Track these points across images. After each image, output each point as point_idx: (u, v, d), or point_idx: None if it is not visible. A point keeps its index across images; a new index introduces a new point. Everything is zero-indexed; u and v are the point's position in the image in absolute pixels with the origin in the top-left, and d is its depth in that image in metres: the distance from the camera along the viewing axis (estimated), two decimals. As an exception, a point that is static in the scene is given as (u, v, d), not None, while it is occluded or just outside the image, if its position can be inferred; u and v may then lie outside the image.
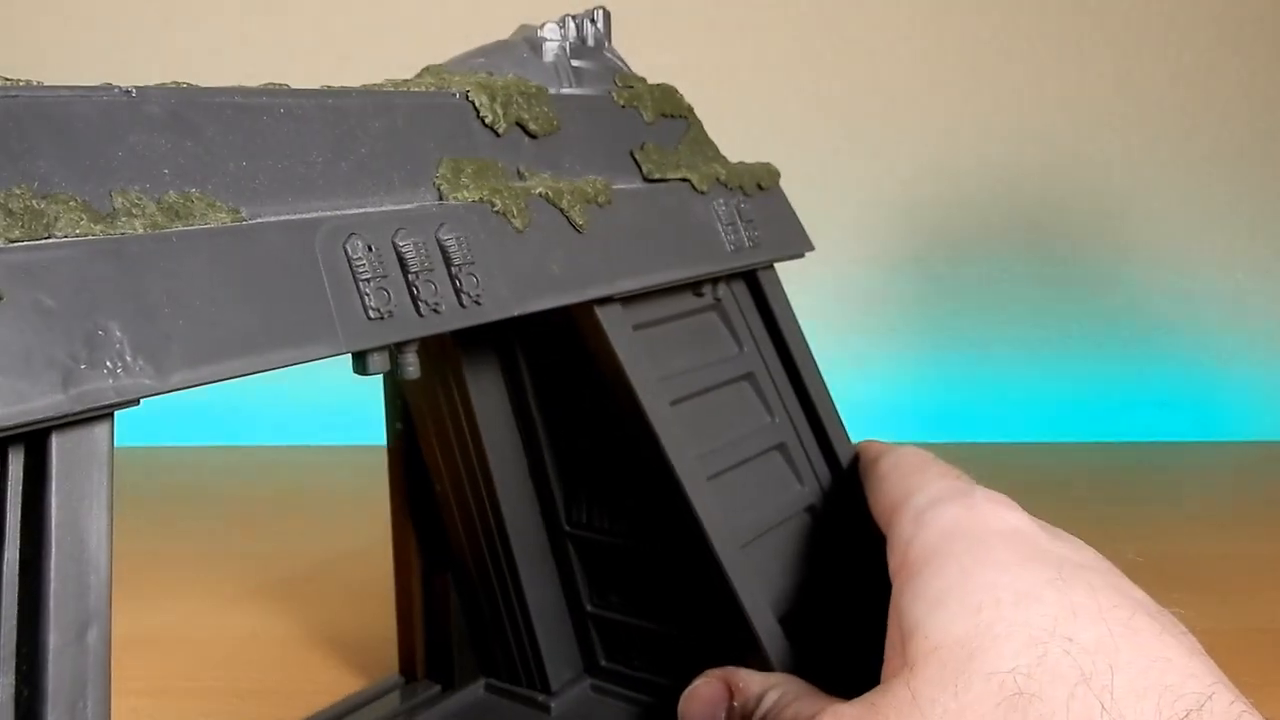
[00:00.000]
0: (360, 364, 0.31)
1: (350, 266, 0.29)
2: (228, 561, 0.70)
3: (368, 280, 0.30)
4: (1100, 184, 0.98)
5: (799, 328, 0.51)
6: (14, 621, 0.23)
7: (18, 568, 0.23)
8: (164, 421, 0.97)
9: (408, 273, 0.31)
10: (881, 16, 0.96)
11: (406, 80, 0.39)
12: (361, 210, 0.31)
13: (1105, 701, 0.26)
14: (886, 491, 0.38)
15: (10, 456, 0.23)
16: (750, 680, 0.35)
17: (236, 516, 0.81)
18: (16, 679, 0.23)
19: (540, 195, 0.37)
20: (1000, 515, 0.33)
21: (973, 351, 1.00)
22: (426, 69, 0.44)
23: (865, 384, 0.99)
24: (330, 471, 0.92)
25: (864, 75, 0.97)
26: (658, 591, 0.48)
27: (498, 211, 0.35)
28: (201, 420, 1.01)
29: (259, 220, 0.28)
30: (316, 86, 0.33)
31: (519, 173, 0.38)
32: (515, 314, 0.34)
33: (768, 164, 0.50)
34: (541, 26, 0.45)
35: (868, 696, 0.30)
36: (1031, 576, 0.29)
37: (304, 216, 0.29)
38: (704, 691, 0.36)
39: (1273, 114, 0.97)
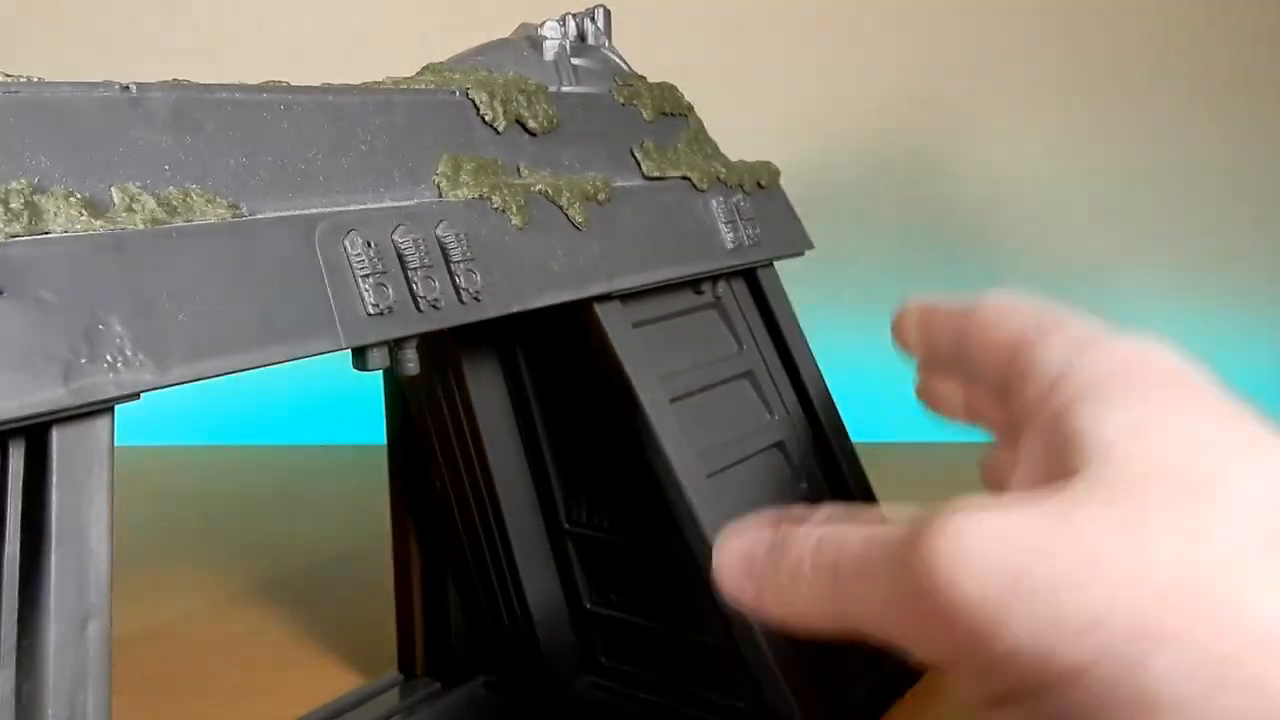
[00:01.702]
0: (360, 360, 0.31)
1: (349, 262, 0.29)
2: (227, 561, 0.70)
3: (367, 276, 0.30)
4: (1100, 183, 0.98)
5: (798, 326, 0.51)
6: (14, 615, 0.23)
7: (18, 562, 0.23)
8: (163, 421, 0.97)
9: (407, 269, 0.31)
10: (881, 17, 0.96)
11: (407, 78, 0.40)
12: (361, 207, 0.31)
13: None
14: (1013, 322, 0.32)
15: (11, 450, 0.23)
16: (796, 518, 0.28)
17: (236, 516, 0.81)
18: (17, 673, 0.23)
19: (540, 192, 0.37)
20: (1186, 364, 0.27)
21: None
22: (427, 67, 0.44)
23: (864, 382, 0.99)
24: (330, 471, 0.92)
25: (863, 75, 0.97)
26: (657, 589, 0.48)
27: (497, 209, 0.35)
28: (201, 420, 1.01)
29: (258, 216, 0.28)
30: (316, 84, 0.34)
31: (519, 170, 0.38)
32: (514, 311, 0.34)
33: (768, 162, 0.50)
34: (541, 25, 0.45)
35: (1041, 497, 0.22)
36: (1248, 427, 0.24)
37: (303, 212, 0.29)
38: (745, 536, 0.28)
39: (1273, 114, 0.98)
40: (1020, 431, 0.27)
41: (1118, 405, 0.24)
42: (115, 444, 0.25)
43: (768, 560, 0.26)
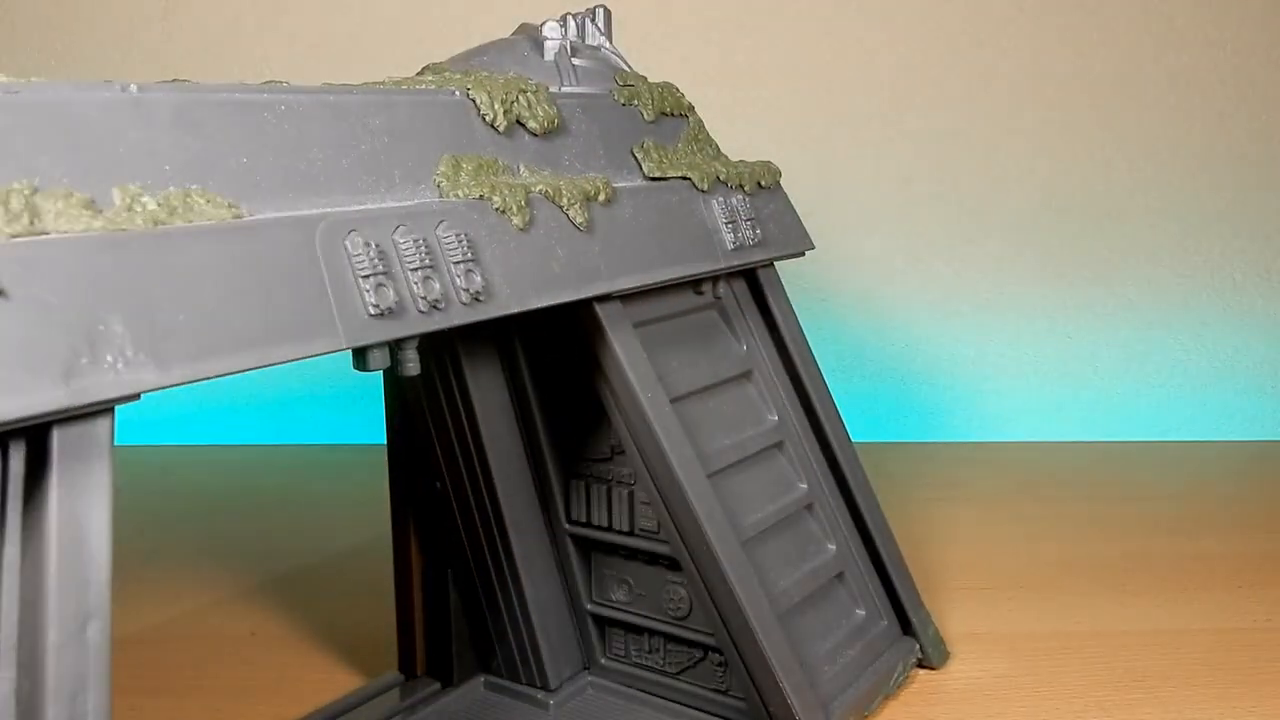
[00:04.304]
0: (360, 360, 0.31)
1: (350, 263, 0.29)
2: (226, 560, 0.70)
3: (367, 277, 0.30)
4: (1099, 183, 0.98)
5: (799, 326, 0.51)
6: (15, 616, 0.23)
7: (19, 562, 0.23)
8: (163, 421, 0.97)
9: (408, 269, 0.31)
10: (879, 17, 0.96)
11: (407, 79, 0.40)
12: (361, 207, 0.31)
13: None
14: None
15: (11, 451, 0.23)
16: None
17: (235, 516, 0.81)
18: (18, 673, 0.23)
19: (540, 193, 0.37)
20: None
21: (970, 351, 1.00)
22: (427, 67, 0.44)
23: (864, 382, 0.99)
24: (329, 471, 0.92)
25: (862, 76, 0.97)
26: (657, 589, 0.48)
27: (497, 209, 0.35)
28: (201, 420, 1.01)
29: (259, 217, 0.28)
30: (317, 85, 0.34)
31: (519, 170, 0.38)
32: (515, 311, 0.34)
33: (768, 162, 0.50)
34: (542, 25, 0.45)
35: None
36: None
37: (304, 213, 0.29)
38: None
39: (1271, 113, 0.98)
40: None
41: None
42: (115, 444, 0.25)
43: None
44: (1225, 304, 1.00)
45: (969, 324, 1.00)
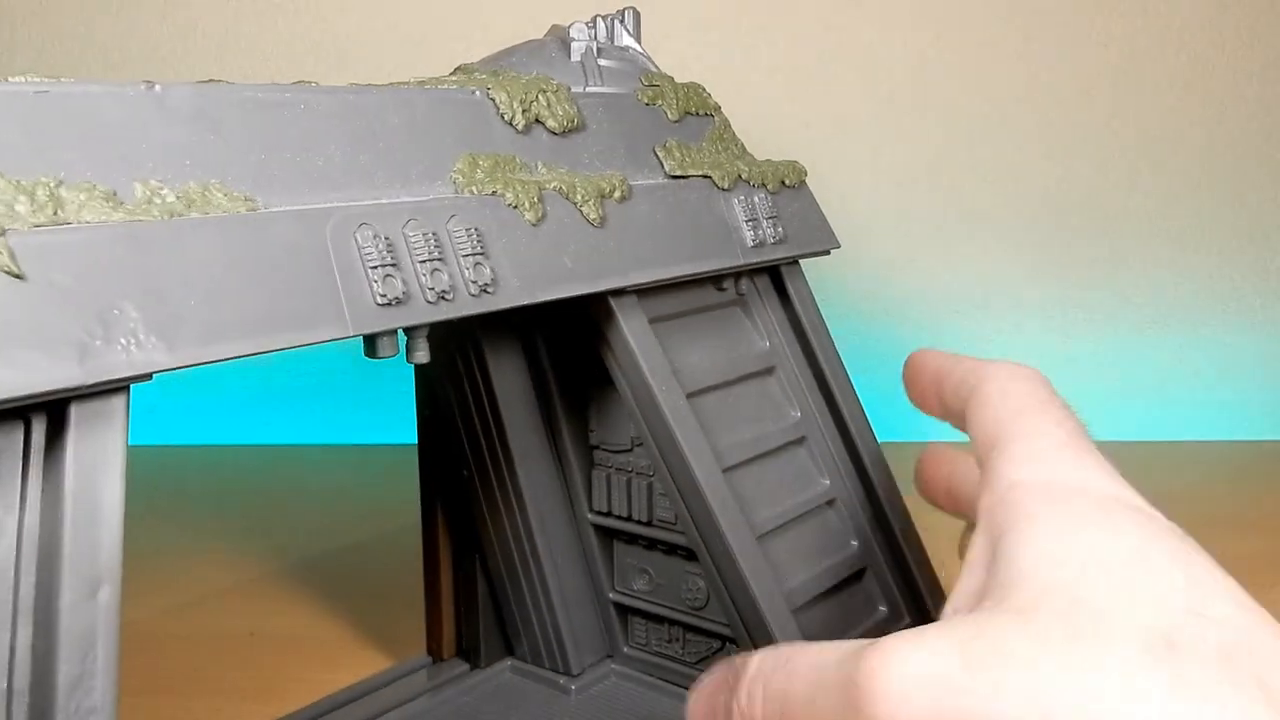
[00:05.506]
0: (370, 348, 0.32)
1: (359, 254, 0.31)
2: (227, 560, 0.71)
3: (376, 268, 0.31)
4: (1099, 183, 0.97)
5: (823, 323, 0.51)
6: (33, 578, 0.25)
7: (38, 528, 0.25)
8: (166, 422, 0.99)
9: (416, 261, 0.32)
10: (879, 17, 0.96)
11: (433, 78, 0.41)
12: (375, 201, 0.33)
13: (1256, 671, 0.24)
14: (991, 418, 0.35)
15: (34, 424, 0.25)
16: (747, 658, 0.34)
17: (233, 515, 0.81)
18: (34, 630, 0.25)
19: (554, 189, 0.38)
20: (1117, 490, 0.30)
21: (970, 351, 0.99)
22: (460, 68, 0.45)
23: (862, 382, 0.98)
24: (329, 471, 0.92)
25: (863, 77, 0.96)
26: (676, 579, 0.49)
27: (510, 204, 0.36)
28: (203, 420, 1.02)
29: (273, 209, 0.30)
30: (342, 85, 0.35)
31: (537, 167, 0.39)
32: (525, 304, 0.35)
33: (794, 162, 0.51)
34: (569, 26, 0.46)
35: (958, 627, 0.26)
36: (1159, 546, 0.28)
37: (317, 206, 0.31)
38: (705, 683, 0.35)
39: (1270, 114, 0.96)
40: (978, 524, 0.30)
41: (1051, 533, 0.28)
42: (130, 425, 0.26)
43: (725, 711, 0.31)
44: (1224, 304, 0.98)
45: (969, 324, 1.00)
